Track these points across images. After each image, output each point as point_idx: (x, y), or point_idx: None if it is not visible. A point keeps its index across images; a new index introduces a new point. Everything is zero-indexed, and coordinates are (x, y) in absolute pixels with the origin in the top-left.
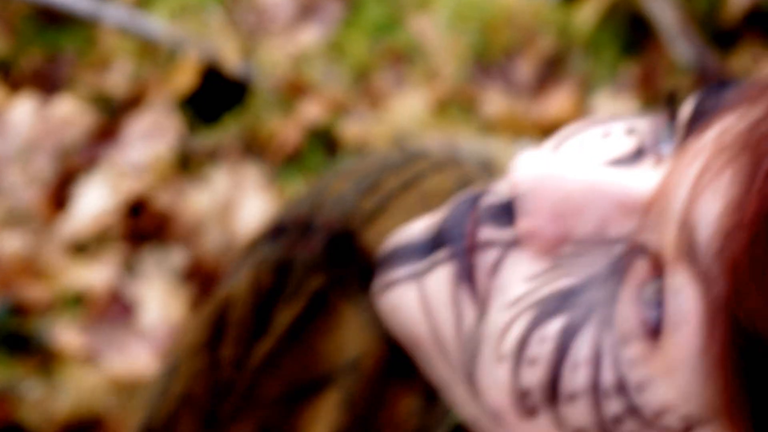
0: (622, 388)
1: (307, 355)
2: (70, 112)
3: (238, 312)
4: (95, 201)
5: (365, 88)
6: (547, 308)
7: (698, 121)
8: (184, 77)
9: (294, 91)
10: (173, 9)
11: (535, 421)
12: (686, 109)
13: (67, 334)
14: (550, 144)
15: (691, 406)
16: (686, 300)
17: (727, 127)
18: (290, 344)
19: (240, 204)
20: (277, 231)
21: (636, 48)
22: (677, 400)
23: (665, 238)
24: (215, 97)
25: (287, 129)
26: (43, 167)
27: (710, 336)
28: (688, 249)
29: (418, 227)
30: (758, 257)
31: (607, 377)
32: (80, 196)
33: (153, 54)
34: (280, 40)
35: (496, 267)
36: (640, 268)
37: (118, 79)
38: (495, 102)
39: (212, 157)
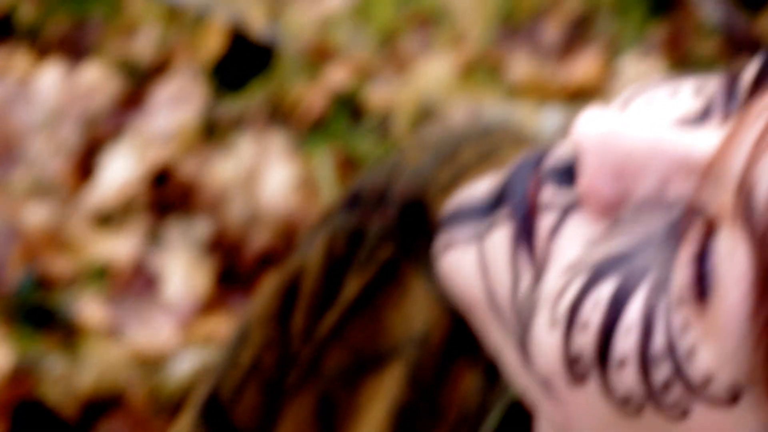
0: (672, 353)
1: (374, 327)
2: (96, 79)
3: (309, 282)
4: (120, 170)
5: (391, 53)
6: (601, 271)
7: (763, 81)
8: (211, 43)
9: (319, 55)
10: None
11: (584, 387)
12: (750, 70)
13: (90, 308)
14: (617, 102)
15: (736, 373)
16: (738, 263)
17: None
18: (357, 316)
19: (265, 172)
20: (353, 200)
21: (663, 9)
22: (724, 367)
23: (722, 200)
24: (241, 63)
25: (312, 95)
26: (69, 136)
27: (761, 299)
28: (744, 210)
29: (480, 188)
30: None
31: (658, 342)
32: (105, 166)
33: (179, 20)
34: (305, 4)
35: (555, 230)
36: (697, 230)
37: (144, 46)
38: (521, 66)
39: (237, 124)
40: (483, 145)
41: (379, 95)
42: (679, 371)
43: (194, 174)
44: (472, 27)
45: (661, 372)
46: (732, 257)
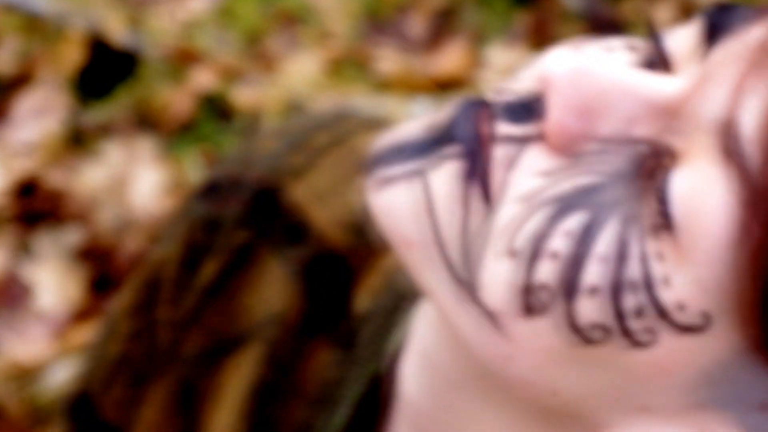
0: (646, 281)
1: (230, 310)
2: None
3: (170, 271)
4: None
5: (257, 53)
6: (569, 203)
7: (720, 33)
8: (72, 52)
9: (184, 59)
10: None
11: (540, 318)
12: (681, 32)
13: None
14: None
15: (711, 300)
16: (716, 196)
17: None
18: (213, 299)
19: (134, 178)
20: (210, 189)
21: None
22: (698, 294)
23: (693, 139)
24: (105, 70)
25: (179, 98)
26: None
27: (748, 226)
28: (729, 145)
29: (412, 127)
30: None
31: (633, 270)
32: None
33: (40, 30)
34: (168, 8)
35: (511, 162)
36: (665, 167)
37: (5, 57)
38: (389, 59)
39: (104, 131)
40: (335, 131)
41: (247, 96)
42: (652, 298)
43: (62, 183)
44: (337, 23)
45: (635, 299)
46: (708, 191)
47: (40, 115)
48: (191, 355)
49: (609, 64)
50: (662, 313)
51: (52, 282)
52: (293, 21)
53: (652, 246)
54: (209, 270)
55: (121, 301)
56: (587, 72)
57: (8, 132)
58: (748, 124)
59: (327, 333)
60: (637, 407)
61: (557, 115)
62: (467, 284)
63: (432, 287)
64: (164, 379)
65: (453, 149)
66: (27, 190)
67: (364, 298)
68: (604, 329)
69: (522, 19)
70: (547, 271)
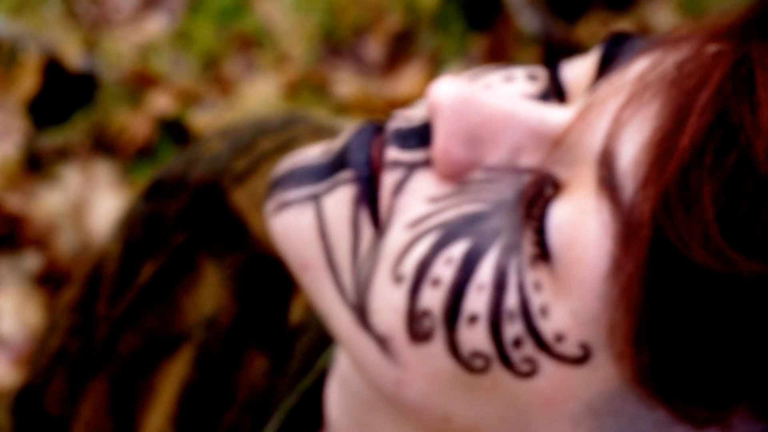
0: (524, 311)
1: (167, 312)
2: None
3: (110, 267)
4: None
5: (215, 76)
6: (453, 231)
7: (610, 65)
8: (27, 75)
9: (141, 82)
10: (12, 4)
11: (426, 345)
12: (577, 64)
13: None
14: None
15: (589, 332)
16: (594, 227)
17: (650, 66)
18: (151, 300)
19: (93, 202)
20: (153, 187)
21: (483, 21)
22: (576, 326)
23: (575, 170)
24: (61, 94)
25: (137, 122)
26: None
27: (624, 258)
28: (607, 177)
29: (314, 151)
30: (689, 185)
31: (511, 300)
32: None
33: None
34: (124, 31)
35: (399, 187)
36: (548, 197)
37: None
38: (346, 82)
39: (62, 156)
40: (281, 136)
41: (204, 119)
42: (530, 328)
43: (19, 208)
44: (294, 47)
45: (513, 329)
46: (585, 222)
47: None
48: (127, 355)
49: (496, 93)
50: (541, 343)
51: (11, 308)
52: (250, 44)
53: (531, 276)
54: (148, 270)
55: (64, 296)
56: (472, 100)
57: None
58: (625, 156)
59: (261, 341)
60: None
61: (442, 143)
62: (359, 308)
63: (327, 311)
64: (100, 377)
65: (346, 174)
66: None
67: (300, 309)
68: (485, 358)
69: (478, 42)
70: (430, 298)
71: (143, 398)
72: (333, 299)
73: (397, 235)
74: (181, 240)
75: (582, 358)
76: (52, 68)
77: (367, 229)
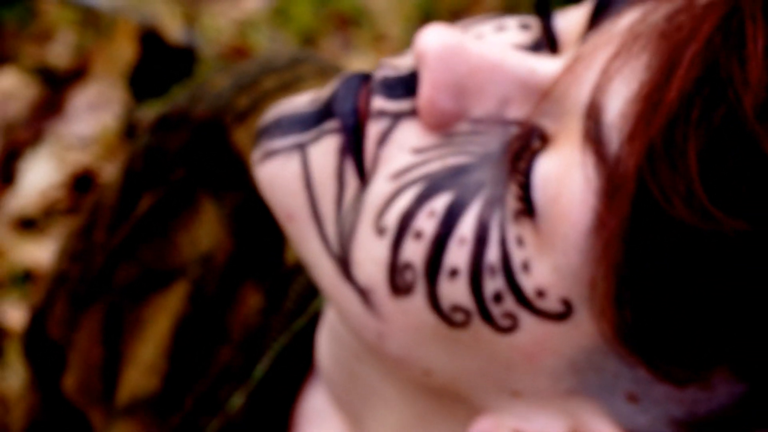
0: (505, 265)
1: (164, 246)
2: (13, 86)
3: (110, 198)
4: (41, 176)
5: None
6: (437, 183)
7: (603, 14)
8: (127, 47)
9: (239, 57)
10: None
11: (407, 298)
12: (569, 14)
13: (13, 313)
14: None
15: (570, 288)
16: (578, 182)
17: (640, 17)
18: (148, 232)
19: None
20: (158, 122)
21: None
22: (558, 281)
23: (563, 122)
24: (161, 66)
25: None
26: None
27: (606, 214)
28: (593, 130)
29: (302, 99)
30: (675, 140)
31: (492, 254)
32: (26, 171)
33: (95, 24)
34: (223, 7)
35: (384, 136)
36: (534, 151)
37: (60, 51)
38: None
39: None
40: (286, 75)
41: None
42: (511, 283)
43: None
44: (392, 27)
45: (493, 284)
46: (570, 176)
47: (95, 109)
48: (122, 286)
49: (485, 43)
50: (522, 298)
51: None
52: (347, 23)
53: (513, 231)
54: (146, 202)
55: (73, 225)
56: (460, 50)
57: (63, 126)
58: (611, 109)
59: (257, 279)
60: (509, 392)
61: (427, 92)
62: (342, 260)
63: (311, 261)
64: (96, 305)
65: (332, 124)
66: (81, 183)
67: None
68: (465, 312)
69: None
70: (412, 251)
71: (134, 330)
72: (317, 250)
73: (380, 187)
74: (180, 175)
75: (563, 314)
76: (152, 41)
77: (352, 180)
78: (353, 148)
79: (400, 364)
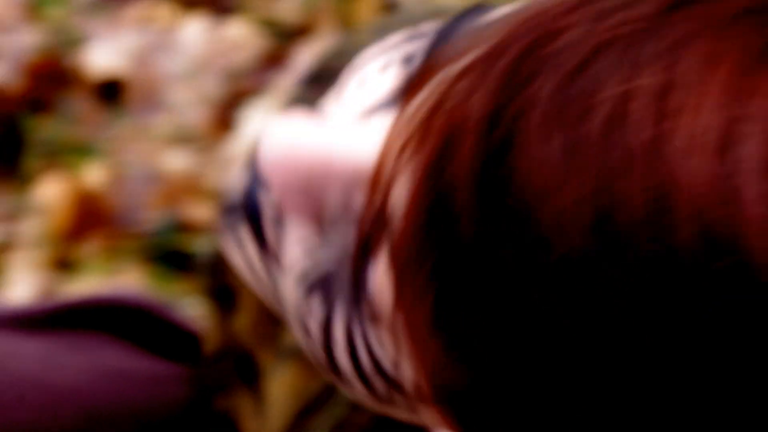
0: (378, 369)
1: None
2: (240, 35)
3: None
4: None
5: None
6: (312, 283)
7: (413, 87)
8: (361, 11)
9: None
10: None
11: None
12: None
13: None
14: (335, 88)
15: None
16: (384, 277)
17: (424, 99)
18: None
19: None
20: (312, 77)
21: None
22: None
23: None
24: None
25: None
26: (211, 88)
27: (396, 314)
28: (388, 226)
29: (239, 184)
30: (414, 255)
31: (364, 360)
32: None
33: None
34: None
35: (277, 224)
36: (362, 246)
37: (289, 6)
38: None
39: None
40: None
41: None
42: (392, 384)
43: None
44: None
45: (379, 385)
46: (380, 272)
47: None
48: None
49: (319, 132)
50: (406, 394)
51: None
52: None
53: (372, 333)
54: None
55: None
56: (294, 151)
57: (285, 79)
58: (397, 211)
59: None
60: None
61: (278, 199)
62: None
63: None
64: None
65: (244, 215)
66: None
67: None
68: (382, 400)
69: None
70: (314, 350)
71: None
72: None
73: (283, 278)
74: None
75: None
76: (389, 7)
77: (271, 264)
78: (260, 240)
79: None
